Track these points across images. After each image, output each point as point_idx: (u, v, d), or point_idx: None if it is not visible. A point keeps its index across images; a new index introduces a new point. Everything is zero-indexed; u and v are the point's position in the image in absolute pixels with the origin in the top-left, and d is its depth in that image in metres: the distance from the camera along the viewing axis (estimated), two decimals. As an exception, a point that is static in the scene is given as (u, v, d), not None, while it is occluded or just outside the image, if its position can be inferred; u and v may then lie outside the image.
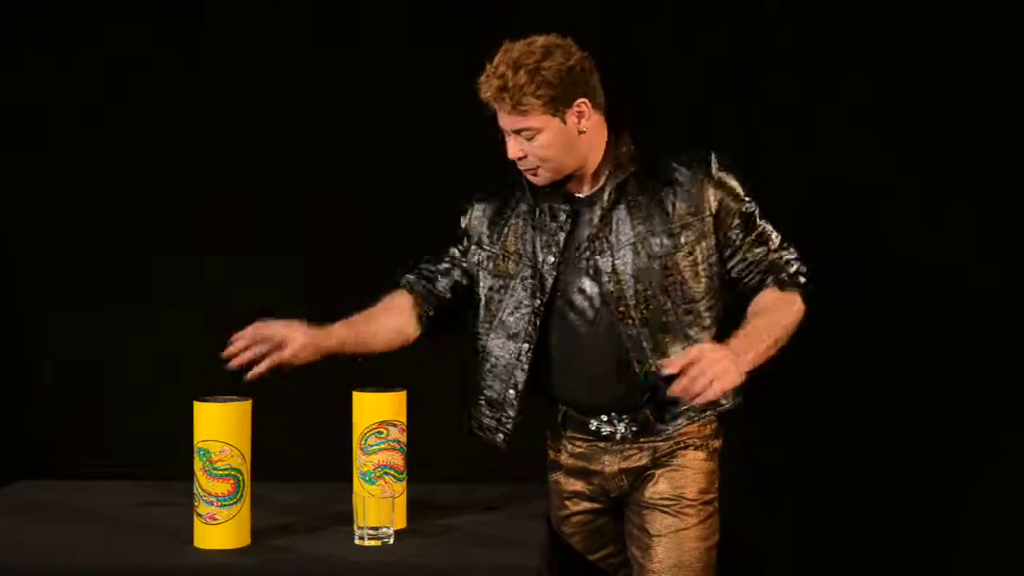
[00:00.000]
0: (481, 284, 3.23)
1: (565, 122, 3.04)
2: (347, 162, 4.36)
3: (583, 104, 3.05)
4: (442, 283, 3.28)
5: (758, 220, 3.15)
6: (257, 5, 4.35)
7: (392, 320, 3.24)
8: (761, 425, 4.11)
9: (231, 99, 4.35)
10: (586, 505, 3.22)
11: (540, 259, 3.14)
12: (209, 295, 4.35)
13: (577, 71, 3.03)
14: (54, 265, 4.40)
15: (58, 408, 4.40)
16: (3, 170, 4.40)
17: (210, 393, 2.83)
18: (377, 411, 2.89)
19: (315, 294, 4.35)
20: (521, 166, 3.12)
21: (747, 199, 3.15)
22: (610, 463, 3.17)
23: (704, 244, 3.10)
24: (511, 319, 3.16)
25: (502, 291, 3.18)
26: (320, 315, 4.33)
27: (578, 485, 3.22)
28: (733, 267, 3.14)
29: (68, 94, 4.38)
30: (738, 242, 3.13)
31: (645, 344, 3.08)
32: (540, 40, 3.05)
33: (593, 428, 3.16)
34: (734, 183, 3.14)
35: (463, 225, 3.31)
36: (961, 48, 4.14)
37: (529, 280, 3.14)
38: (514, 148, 3.08)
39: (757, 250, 3.13)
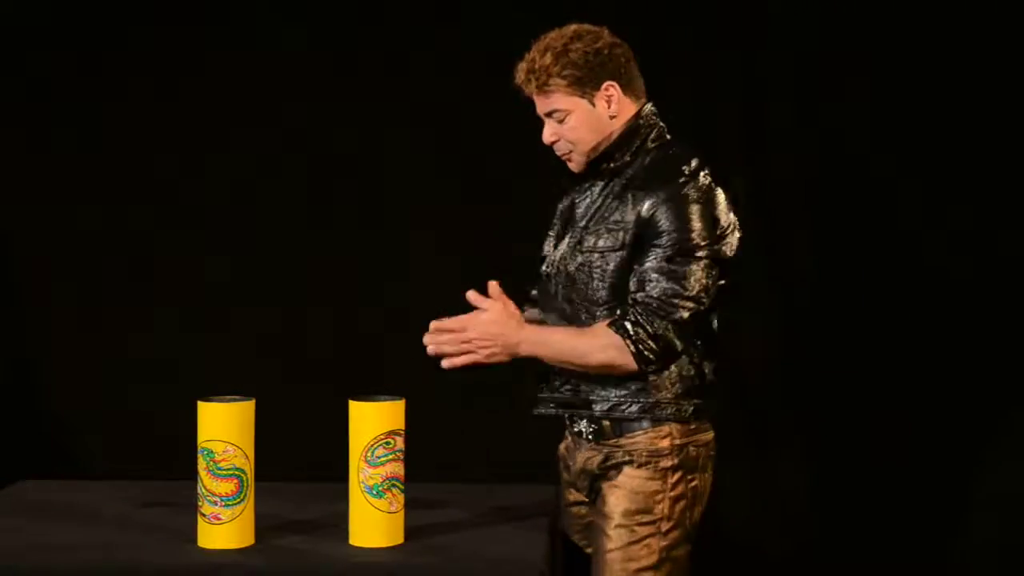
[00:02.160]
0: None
1: (594, 105, 3.04)
2: (347, 163, 4.36)
3: (611, 87, 3.03)
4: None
5: (671, 264, 2.95)
6: (259, 7, 4.36)
7: None
8: (767, 426, 4.12)
9: (232, 100, 4.35)
10: (575, 495, 3.20)
11: (557, 238, 3.18)
12: (209, 295, 4.35)
13: (605, 54, 3.02)
14: (54, 265, 4.40)
15: (58, 408, 4.40)
16: (3, 170, 4.40)
17: (211, 393, 2.83)
18: (383, 421, 2.85)
19: (315, 295, 4.36)
20: (556, 152, 3.12)
21: (677, 236, 2.95)
22: (576, 461, 3.14)
23: (620, 255, 3.00)
24: (544, 296, 3.18)
25: (544, 269, 3.20)
26: (320, 317, 4.36)
27: (567, 476, 3.23)
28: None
29: (68, 94, 4.38)
30: (635, 270, 2.99)
31: None
32: (573, 26, 3.06)
33: (567, 422, 3.16)
34: (676, 214, 2.96)
35: None
36: (962, 48, 4.15)
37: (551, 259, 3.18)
38: (547, 132, 3.09)
39: (639, 291, 2.97)
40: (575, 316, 3.07)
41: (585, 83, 3.02)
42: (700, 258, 2.96)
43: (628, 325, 2.96)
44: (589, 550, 3.20)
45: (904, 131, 4.19)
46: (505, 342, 3.00)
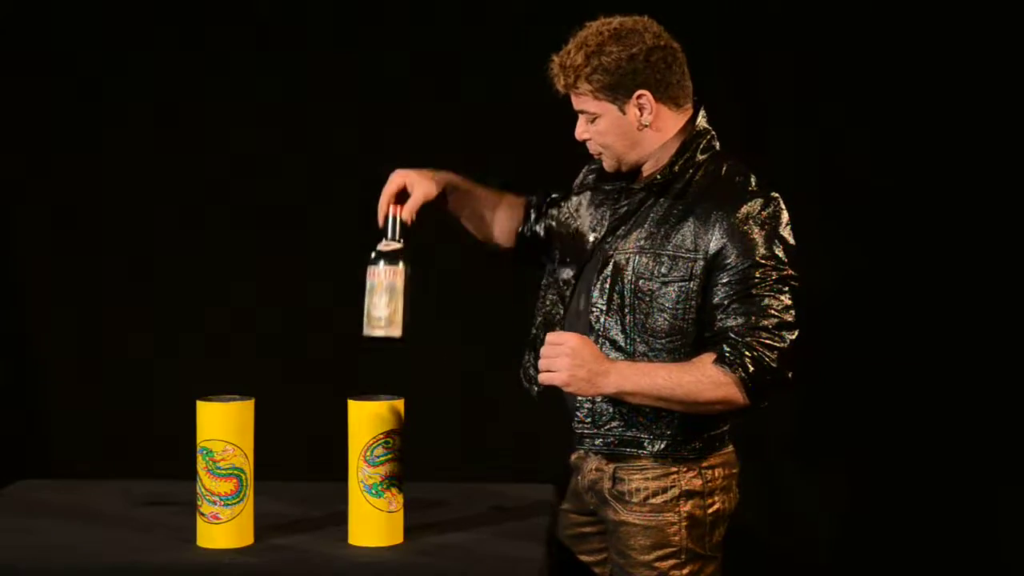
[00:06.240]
0: (554, 237, 3.12)
1: (624, 112, 2.89)
2: (348, 163, 4.36)
3: (644, 96, 2.88)
4: (552, 211, 3.16)
5: (757, 290, 2.80)
6: (260, 5, 4.36)
7: (502, 217, 3.20)
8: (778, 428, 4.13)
9: (231, 99, 4.36)
10: (576, 505, 3.11)
11: (589, 234, 3.01)
12: (209, 295, 4.35)
13: (640, 60, 2.86)
14: (54, 265, 4.40)
15: (58, 408, 4.40)
16: (3, 170, 4.40)
17: (211, 393, 2.83)
18: (383, 421, 2.85)
19: (315, 293, 4.36)
20: (589, 149, 2.99)
21: (761, 262, 2.81)
22: (584, 474, 3.04)
23: (686, 285, 2.85)
24: (562, 281, 3.05)
25: (562, 251, 3.07)
26: (320, 317, 4.36)
27: (573, 484, 3.15)
28: (706, 326, 2.85)
29: (68, 93, 4.38)
30: (717, 301, 2.83)
31: None
32: (617, 21, 2.90)
33: (576, 430, 3.02)
34: (754, 238, 2.83)
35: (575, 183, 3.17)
36: (963, 47, 4.15)
37: (579, 250, 3.02)
38: (579, 129, 2.94)
39: (730, 321, 2.81)
40: (629, 349, 2.89)
41: (616, 89, 2.87)
42: (791, 280, 2.84)
43: (743, 360, 2.77)
44: (583, 559, 3.15)
45: (904, 131, 4.19)
46: (594, 368, 2.78)
